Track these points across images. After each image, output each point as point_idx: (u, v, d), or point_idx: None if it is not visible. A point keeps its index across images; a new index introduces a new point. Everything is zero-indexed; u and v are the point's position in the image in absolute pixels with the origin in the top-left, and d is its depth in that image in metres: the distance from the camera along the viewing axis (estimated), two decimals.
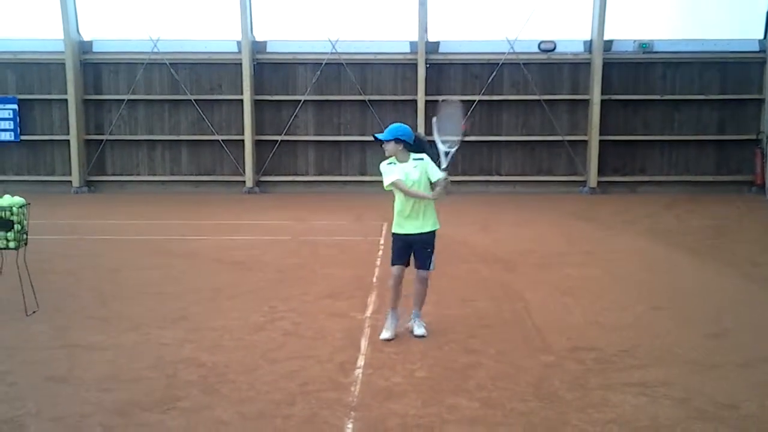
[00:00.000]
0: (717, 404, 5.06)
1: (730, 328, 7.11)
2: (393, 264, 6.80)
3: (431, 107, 23.38)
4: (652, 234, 14.07)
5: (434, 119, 7.08)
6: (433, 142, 6.89)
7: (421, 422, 4.76)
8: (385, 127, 6.89)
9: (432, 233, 6.80)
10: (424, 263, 6.79)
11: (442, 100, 7.36)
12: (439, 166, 6.72)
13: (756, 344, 6.56)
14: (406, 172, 6.66)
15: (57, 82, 24.06)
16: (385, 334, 6.69)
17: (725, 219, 16.72)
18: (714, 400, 5.13)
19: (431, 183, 6.70)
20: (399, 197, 6.75)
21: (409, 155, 6.73)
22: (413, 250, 6.79)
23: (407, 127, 6.83)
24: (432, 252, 6.80)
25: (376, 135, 6.84)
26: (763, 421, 4.78)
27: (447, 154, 6.83)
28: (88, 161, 24.34)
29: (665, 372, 5.75)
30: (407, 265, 6.80)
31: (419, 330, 6.80)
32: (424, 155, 6.76)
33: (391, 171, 6.69)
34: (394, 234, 6.83)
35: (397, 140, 6.67)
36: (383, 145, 6.77)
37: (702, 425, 4.70)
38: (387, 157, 6.81)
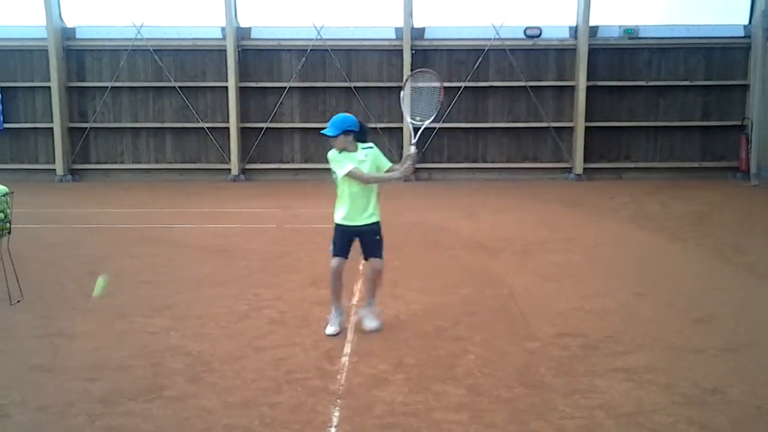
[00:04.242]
0: (701, 389, 5.08)
1: (713, 314, 7.14)
2: (335, 255, 6.47)
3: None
4: (636, 220, 14.12)
5: (402, 94, 7.09)
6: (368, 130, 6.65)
7: (407, 409, 4.76)
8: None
9: (378, 223, 6.57)
10: (376, 252, 6.56)
11: (409, 75, 7.21)
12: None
13: (739, 329, 6.60)
14: (358, 161, 6.38)
15: (40, 70, 23.89)
16: (330, 329, 6.47)
17: (710, 205, 16.81)
18: (698, 385, 5.16)
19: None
20: (348, 187, 6.41)
21: (357, 145, 6.44)
22: (361, 241, 6.55)
23: (350, 116, 6.51)
24: (381, 240, 6.59)
25: (322, 131, 6.47)
26: (747, 405, 4.81)
27: (417, 130, 6.70)
28: (72, 149, 24.21)
29: (650, 357, 5.78)
30: (347, 256, 6.53)
31: (372, 323, 6.59)
32: (371, 143, 6.54)
33: (345, 160, 6.36)
34: (339, 225, 6.49)
35: (345, 133, 6.35)
36: (332, 140, 6.40)
37: (686, 410, 4.73)
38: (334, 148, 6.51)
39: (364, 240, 6.53)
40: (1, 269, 7.60)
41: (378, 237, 6.55)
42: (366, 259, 6.62)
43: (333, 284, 6.56)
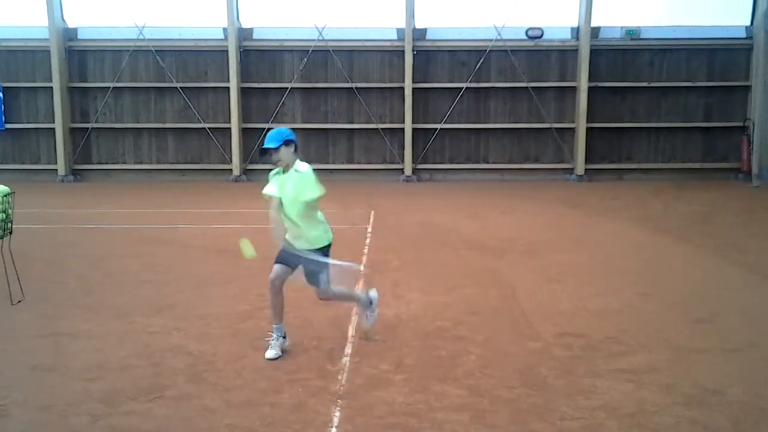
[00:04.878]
0: (703, 390, 5.07)
1: (716, 314, 7.13)
2: (276, 262, 5.87)
3: (419, 95, 23.48)
4: (639, 221, 14.11)
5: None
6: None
7: (408, 410, 4.75)
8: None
9: (320, 249, 5.80)
10: (313, 280, 5.85)
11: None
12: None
13: (742, 329, 6.59)
14: (283, 185, 5.77)
15: (42, 70, 23.92)
16: (270, 353, 5.82)
17: (712, 206, 16.79)
18: (700, 385, 5.15)
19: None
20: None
21: (295, 162, 5.82)
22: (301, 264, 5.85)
23: (284, 128, 5.94)
24: (320, 269, 5.77)
25: (264, 146, 5.75)
26: (749, 406, 4.80)
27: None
28: (73, 149, 24.24)
29: (652, 358, 5.77)
30: (291, 268, 5.82)
31: (367, 321, 6.38)
32: (308, 168, 5.79)
33: (271, 181, 5.87)
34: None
35: (287, 142, 5.74)
36: (274, 155, 5.75)
37: (688, 411, 4.72)
38: (275, 168, 5.89)
39: (304, 266, 5.84)
40: (2, 269, 7.61)
41: (314, 267, 5.76)
42: (310, 285, 5.97)
43: (272, 299, 5.94)
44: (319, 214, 5.94)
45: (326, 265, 5.82)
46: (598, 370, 5.48)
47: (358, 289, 6.22)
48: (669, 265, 9.91)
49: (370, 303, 6.40)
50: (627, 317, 7.04)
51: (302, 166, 5.81)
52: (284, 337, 5.99)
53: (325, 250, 5.87)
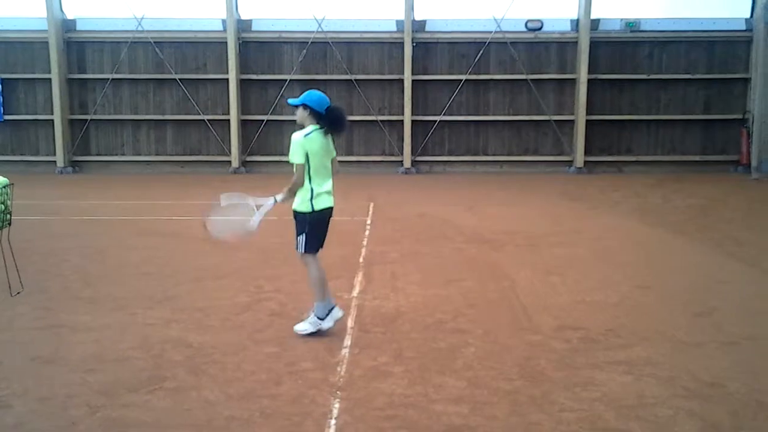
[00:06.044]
0: (702, 382, 5.09)
1: (715, 307, 7.14)
2: None
3: (418, 87, 23.44)
4: (638, 213, 14.11)
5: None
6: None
7: (407, 401, 4.76)
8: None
9: (295, 212, 6.17)
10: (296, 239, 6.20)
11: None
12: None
13: (741, 323, 6.60)
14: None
15: (41, 61, 23.83)
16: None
17: (711, 198, 16.79)
18: (699, 378, 5.16)
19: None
20: None
21: (306, 126, 6.05)
22: None
23: (321, 95, 6.04)
24: (298, 232, 6.15)
25: (288, 100, 6.30)
26: (747, 399, 4.81)
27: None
28: (72, 141, 24.17)
29: (651, 350, 5.78)
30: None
31: (297, 325, 6.25)
32: (300, 135, 5.98)
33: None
34: None
35: (304, 105, 5.99)
36: (295, 111, 6.13)
37: (687, 403, 4.73)
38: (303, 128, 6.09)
39: None
40: (1, 261, 7.60)
41: (296, 227, 6.18)
42: None
43: None
44: (315, 181, 6.09)
45: (302, 230, 6.11)
46: (596, 363, 5.49)
47: (329, 297, 6.19)
48: (668, 259, 9.91)
49: (323, 316, 6.14)
50: (626, 310, 7.05)
51: (299, 133, 6.03)
52: (321, 318, 6.10)
53: (301, 218, 6.13)
